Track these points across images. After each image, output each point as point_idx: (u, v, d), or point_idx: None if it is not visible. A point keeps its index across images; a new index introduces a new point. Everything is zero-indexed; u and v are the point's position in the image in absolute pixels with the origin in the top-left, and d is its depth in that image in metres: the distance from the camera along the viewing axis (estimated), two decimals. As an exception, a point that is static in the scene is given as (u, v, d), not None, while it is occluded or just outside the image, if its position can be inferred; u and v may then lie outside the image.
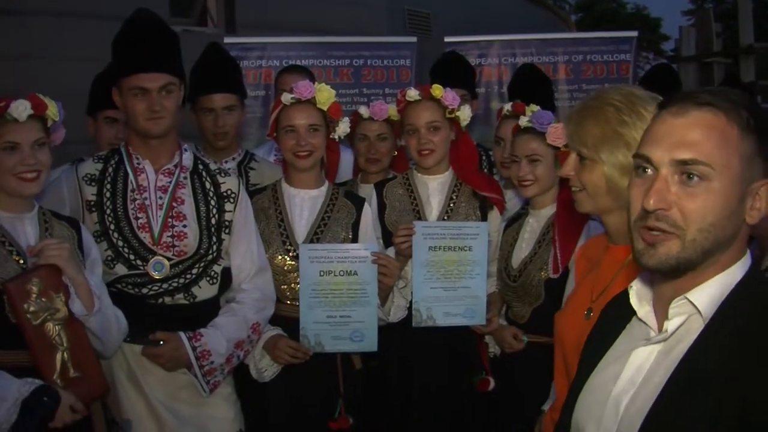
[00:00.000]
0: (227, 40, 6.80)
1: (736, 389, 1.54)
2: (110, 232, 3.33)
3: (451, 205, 3.96)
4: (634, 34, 7.12)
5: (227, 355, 3.37)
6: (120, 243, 3.32)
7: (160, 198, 3.39)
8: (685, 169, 1.64)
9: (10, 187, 3.00)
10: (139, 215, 3.36)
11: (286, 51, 6.68)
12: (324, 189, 3.81)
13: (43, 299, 2.92)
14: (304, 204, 3.76)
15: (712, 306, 1.67)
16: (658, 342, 1.73)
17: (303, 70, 5.15)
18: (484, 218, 3.95)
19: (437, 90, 3.88)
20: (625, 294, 1.89)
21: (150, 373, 3.33)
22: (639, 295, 1.83)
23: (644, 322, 1.80)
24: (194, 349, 3.29)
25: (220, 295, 3.51)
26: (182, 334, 3.29)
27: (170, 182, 3.43)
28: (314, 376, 3.61)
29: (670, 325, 1.70)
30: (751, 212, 1.68)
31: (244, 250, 3.52)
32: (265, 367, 3.58)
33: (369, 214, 3.84)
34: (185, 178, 3.46)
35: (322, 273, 3.57)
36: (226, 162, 4.36)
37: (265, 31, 7.73)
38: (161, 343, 3.28)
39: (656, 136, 1.70)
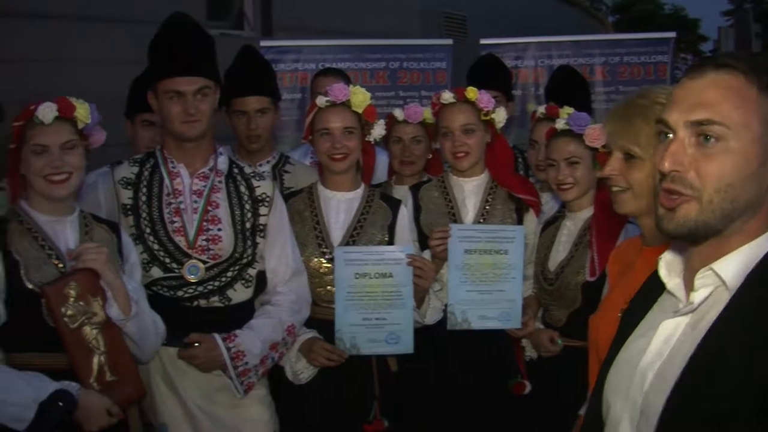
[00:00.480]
0: (263, 43, 6.82)
1: (755, 367, 1.50)
2: (146, 235, 3.34)
3: (487, 207, 3.94)
4: (672, 35, 7.07)
5: (261, 356, 3.36)
6: (155, 246, 3.34)
7: (195, 202, 3.40)
8: (701, 131, 1.61)
9: (40, 189, 3.03)
10: (175, 219, 3.36)
11: (322, 54, 6.71)
12: (360, 191, 3.80)
13: (81, 303, 2.94)
14: (340, 206, 3.75)
15: (738, 277, 1.63)
16: (686, 314, 1.70)
17: (338, 73, 5.14)
18: (519, 221, 3.94)
19: (472, 92, 3.87)
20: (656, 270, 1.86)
21: (185, 376, 3.34)
22: (669, 267, 1.80)
23: (673, 294, 1.77)
24: (228, 349, 3.29)
25: (255, 298, 3.51)
26: (216, 336, 3.30)
27: (205, 186, 3.43)
28: (350, 378, 3.60)
29: (696, 296, 1.67)
30: None
31: (279, 254, 3.52)
32: (301, 370, 3.57)
33: (405, 215, 3.82)
34: (220, 182, 3.46)
35: (357, 275, 3.56)
36: (261, 165, 4.35)
37: (301, 34, 7.77)
38: (196, 344, 3.29)
39: (674, 99, 1.68)
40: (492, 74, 5.18)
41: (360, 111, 3.70)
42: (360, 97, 3.69)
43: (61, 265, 3.01)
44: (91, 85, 5.01)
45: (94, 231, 3.16)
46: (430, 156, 4.40)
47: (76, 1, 7.87)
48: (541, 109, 4.33)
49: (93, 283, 2.98)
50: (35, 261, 2.97)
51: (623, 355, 1.83)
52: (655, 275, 1.88)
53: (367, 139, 3.77)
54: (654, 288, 1.87)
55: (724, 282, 1.64)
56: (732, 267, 1.64)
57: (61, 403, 1.94)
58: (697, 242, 1.67)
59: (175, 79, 3.30)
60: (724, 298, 1.63)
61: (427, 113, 4.33)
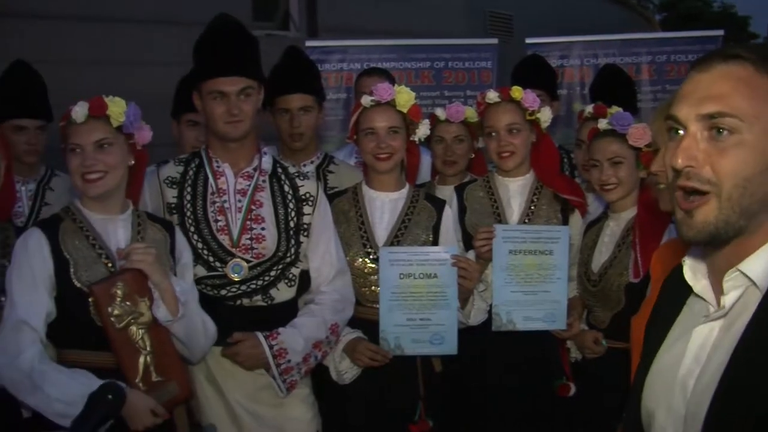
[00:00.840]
0: (308, 43, 6.83)
1: None
2: (190, 234, 3.36)
3: (532, 207, 3.93)
4: (720, 33, 6.98)
5: (304, 353, 3.37)
6: (199, 245, 3.35)
7: (239, 201, 3.42)
8: (713, 124, 1.56)
9: (78, 187, 3.07)
10: (219, 218, 3.38)
11: (367, 54, 6.70)
12: (404, 191, 3.79)
13: (128, 303, 2.96)
14: (384, 207, 3.75)
15: (767, 276, 1.57)
16: (718, 318, 1.64)
17: (383, 73, 5.14)
18: (565, 221, 3.91)
19: (517, 92, 3.86)
20: (680, 271, 1.79)
21: (229, 375, 3.36)
22: (693, 270, 1.74)
23: (702, 297, 1.71)
24: (271, 347, 3.30)
25: (298, 297, 3.52)
26: (259, 334, 3.31)
27: (249, 185, 3.45)
28: (394, 378, 3.59)
29: (727, 300, 1.62)
30: None
31: (323, 253, 3.52)
32: (345, 370, 3.58)
33: (450, 216, 3.81)
34: (264, 181, 3.48)
35: (402, 276, 3.56)
36: (305, 165, 4.35)
37: (347, 35, 7.76)
38: (239, 342, 3.31)
39: (683, 93, 1.63)
40: (536, 73, 5.18)
41: (405, 111, 3.69)
42: (405, 97, 3.69)
43: (110, 265, 3.04)
44: (138, 85, 5.06)
45: (146, 230, 3.18)
46: (473, 156, 4.39)
47: (129, 3, 7.99)
48: (589, 109, 4.31)
49: (141, 283, 3.00)
50: (85, 260, 3.01)
51: (659, 364, 1.79)
52: (675, 278, 1.85)
53: (412, 138, 3.77)
54: (678, 291, 1.81)
55: (753, 282, 1.59)
56: (759, 266, 1.58)
57: (110, 396, 1.97)
58: (721, 246, 1.62)
59: (219, 79, 3.32)
60: (755, 298, 1.58)
61: (469, 112, 4.34)
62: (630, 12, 17.36)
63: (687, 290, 1.76)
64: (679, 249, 2.48)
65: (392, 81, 4.91)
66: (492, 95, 3.91)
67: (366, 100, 3.73)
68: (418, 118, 3.74)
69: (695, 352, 1.67)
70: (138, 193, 3.33)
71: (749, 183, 1.55)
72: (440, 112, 4.44)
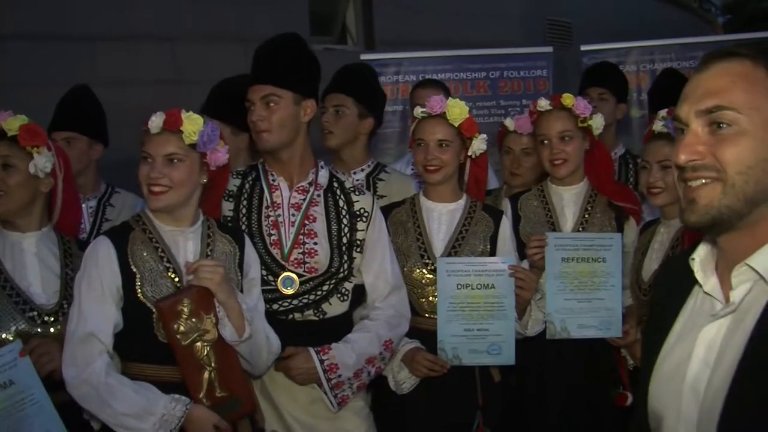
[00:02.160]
0: (364, 56, 6.87)
1: None
2: None
3: (586, 216, 3.91)
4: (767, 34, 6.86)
5: (356, 368, 3.35)
6: None
7: (293, 215, 3.42)
8: (713, 118, 1.62)
9: (145, 197, 3.06)
10: (272, 232, 3.39)
11: (423, 65, 6.71)
12: (462, 202, 3.78)
13: (193, 320, 2.96)
14: (442, 218, 3.74)
15: None
16: (726, 315, 1.66)
17: (437, 84, 5.15)
18: (619, 229, 3.88)
19: (568, 99, 3.84)
20: (679, 264, 1.84)
21: (283, 389, 3.37)
22: (703, 267, 1.76)
23: (710, 295, 1.73)
24: (322, 362, 3.30)
25: (352, 311, 3.52)
26: (311, 349, 3.31)
27: (304, 200, 3.45)
28: (453, 388, 3.59)
29: (736, 294, 1.65)
30: None
31: (378, 269, 3.51)
32: (403, 380, 3.57)
33: (507, 227, 3.79)
34: (319, 195, 3.48)
35: (459, 286, 3.55)
36: (355, 173, 4.36)
37: (403, 47, 7.79)
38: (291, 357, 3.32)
39: (685, 93, 1.69)
40: (601, 73, 5.17)
41: (456, 124, 3.66)
42: (456, 111, 3.66)
43: (177, 279, 3.04)
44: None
45: (216, 243, 3.17)
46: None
47: (201, 20, 8.13)
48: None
49: (207, 300, 2.99)
50: (151, 274, 3.02)
51: (665, 366, 1.79)
52: (674, 273, 1.88)
53: (469, 153, 3.74)
54: (679, 287, 1.84)
55: (762, 276, 1.61)
56: (767, 260, 1.62)
57: None
58: (722, 232, 1.66)
59: (251, 87, 3.37)
60: (763, 294, 1.61)
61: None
62: (691, 15, 17.16)
63: (689, 286, 1.79)
64: None
65: (447, 92, 4.92)
66: (543, 103, 3.90)
67: (418, 111, 3.73)
68: (471, 132, 3.70)
69: (704, 353, 1.68)
70: (214, 210, 3.33)
71: (752, 170, 1.59)
72: (509, 123, 4.43)
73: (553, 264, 3.72)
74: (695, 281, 1.77)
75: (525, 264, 3.75)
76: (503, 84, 6.72)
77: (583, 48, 6.82)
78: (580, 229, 3.89)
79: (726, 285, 1.69)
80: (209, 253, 3.13)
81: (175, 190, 3.03)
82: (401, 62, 6.73)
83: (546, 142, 3.88)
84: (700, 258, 1.76)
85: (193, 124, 3.04)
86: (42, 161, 3.25)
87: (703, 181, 1.63)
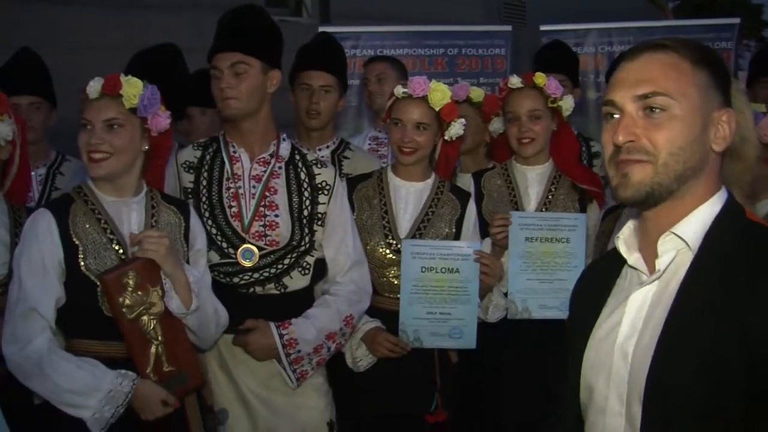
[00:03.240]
0: (321, 29, 6.79)
1: (732, 317, 1.63)
2: (205, 219, 3.32)
3: (550, 197, 3.90)
4: (736, 21, 6.87)
5: (315, 344, 3.33)
6: (213, 230, 3.32)
7: (254, 187, 3.38)
8: (647, 103, 1.76)
9: (85, 165, 2.99)
10: (233, 203, 3.35)
11: (381, 40, 6.63)
12: (430, 182, 3.74)
13: (139, 293, 2.91)
14: (409, 197, 3.70)
15: (698, 237, 1.76)
16: (652, 282, 1.80)
17: (388, 60, 5.14)
18: (582, 211, 3.88)
19: (540, 78, 3.82)
20: (608, 255, 2.01)
21: (241, 362, 3.33)
22: (627, 244, 1.90)
23: (635, 268, 1.87)
24: (281, 336, 3.28)
25: (313, 286, 3.49)
26: (271, 323, 3.28)
27: (265, 171, 3.41)
28: (411, 369, 3.56)
29: (661, 262, 1.79)
30: (716, 140, 1.79)
31: (339, 243, 3.48)
32: (360, 357, 3.55)
33: (473, 210, 3.76)
34: (280, 167, 3.44)
35: (424, 269, 3.52)
36: (320, 150, 4.29)
37: (359, 21, 7.70)
38: (250, 330, 3.28)
39: (617, 81, 1.82)
40: (559, 58, 5.12)
41: (437, 108, 3.62)
42: (438, 96, 3.61)
43: (121, 251, 2.98)
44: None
45: (161, 213, 3.11)
46: (488, 142, 4.31)
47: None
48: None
49: (152, 272, 2.94)
50: (94, 246, 2.95)
51: (596, 335, 1.90)
52: (605, 258, 2.06)
53: (445, 138, 3.70)
54: (610, 268, 1.96)
55: (687, 243, 1.77)
56: (692, 228, 1.78)
57: None
58: (652, 206, 1.80)
59: (215, 55, 3.31)
60: (687, 259, 1.77)
61: (475, 93, 4.34)
62: (644, 0, 17.27)
63: (617, 268, 1.94)
64: None
65: (401, 69, 4.95)
66: (515, 80, 3.88)
67: (399, 90, 3.67)
68: (450, 117, 3.65)
69: (632, 318, 1.81)
70: (158, 181, 3.25)
71: (682, 151, 1.75)
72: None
73: (516, 243, 3.70)
74: (623, 262, 1.90)
75: (486, 243, 3.73)
76: (461, 61, 6.66)
77: (543, 28, 6.77)
78: (544, 209, 3.87)
79: (650, 258, 1.83)
80: (154, 224, 3.07)
81: (116, 157, 2.95)
82: (359, 36, 6.64)
83: (515, 120, 3.85)
84: (624, 237, 1.91)
85: (132, 87, 2.99)
86: (5, 129, 3.18)
87: (637, 161, 1.76)
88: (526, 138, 3.83)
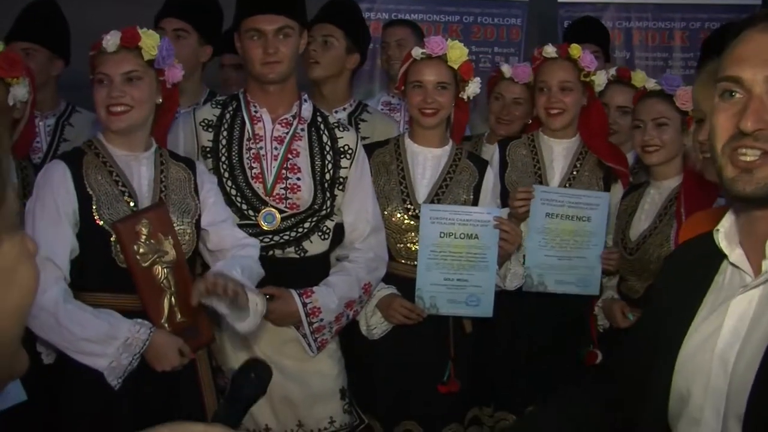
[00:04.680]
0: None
1: None
2: (224, 180, 3.28)
3: (574, 172, 3.84)
4: (758, 1, 6.80)
5: (337, 312, 3.31)
6: (233, 192, 3.28)
7: (276, 149, 3.33)
8: None
9: (102, 120, 2.99)
10: (254, 165, 3.30)
11: (396, 4, 6.53)
12: (448, 148, 3.69)
13: (152, 241, 2.92)
14: (426, 163, 3.66)
15: None
16: (757, 286, 1.59)
17: (408, 24, 5.06)
18: (606, 190, 3.83)
19: (575, 50, 3.76)
20: (701, 242, 1.76)
21: (257, 327, 3.27)
22: (728, 238, 1.68)
23: (738, 267, 1.65)
24: (305, 305, 3.24)
25: (331, 251, 3.46)
26: (293, 291, 3.25)
27: (287, 133, 3.36)
28: (425, 337, 3.54)
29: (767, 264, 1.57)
30: None
31: (358, 208, 3.45)
32: (375, 325, 3.52)
33: (491, 177, 3.72)
34: (302, 129, 3.39)
35: (442, 234, 3.48)
36: (337, 112, 4.20)
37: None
38: (267, 297, 3.20)
39: (744, 55, 1.57)
40: (593, 31, 5.07)
41: (456, 66, 3.58)
42: (457, 53, 3.57)
43: (132, 204, 2.97)
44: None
45: (169, 169, 3.10)
46: (530, 121, 4.20)
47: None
48: (612, 72, 4.16)
49: (165, 221, 2.97)
50: (107, 197, 2.94)
51: (693, 340, 1.70)
52: (698, 250, 1.79)
53: (461, 96, 3.65)
54: (708, 260, 1.74)
55: None
56: None
57: (253, 375, 1.78)
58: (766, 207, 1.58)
59: (257, 17, 3.25)
60: None
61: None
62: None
63: (716, 262, 1.71)
64: (712, 219, 2.39)
65: (419, 33, 4.86)
66: (550, 50, 3.82)
67: (417, 51, 3.61)
68: (468, 75, 3.61)
69: (734, 324, 1.61)
70: (164, 134, 3.23)
71: None
72: (506, 69, 4.33)
73: (537, 218, 3.66)
74: (721, 258, 1.69)
75: (504, 211, 3.69)
76: (476, 29, 6.59)
77: (561, 0, 6.69)
78: (567, 185, 3.82)
79: (754, 257, 1.62)
80: (163, 179, 3.07)
81: (137, 109, 2.96)
82: (374, 0, 6.55)
83: (545, 89, 3.80)
84: (725, 230, 1.69)
85: (150, 38, 3.00)
86: (21, 92, 3.14)
87: (760, 153, 1.54)
88: (555, 109, 3.78)
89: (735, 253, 1.66)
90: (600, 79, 3.83)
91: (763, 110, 1.53)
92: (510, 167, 3.89)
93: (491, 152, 4.03)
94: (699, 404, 1.65)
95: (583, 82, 3.79)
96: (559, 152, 3.88)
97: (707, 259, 1.73)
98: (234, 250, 3.09)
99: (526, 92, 4.21)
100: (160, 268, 2.94)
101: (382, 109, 4.67)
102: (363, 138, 3.88)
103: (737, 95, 1.57)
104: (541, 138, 3.92)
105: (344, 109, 4.30)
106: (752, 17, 1.61)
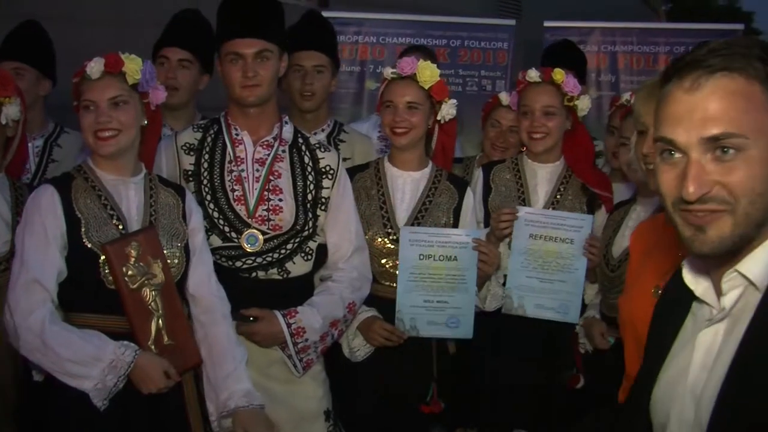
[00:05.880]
0: (325, 14, 6.73)
1: None
2: (206, 202, 3.29)
3: (558, 196, 3.87)
4: (741, 27, 6.85)
5: (322, 332, 3.31)
6: (215, 214, 3.29)
7: (257, 170, 3.35)
8: (718, 145, 1.53)
9: (90, 145, 3.01)
10: (236, 187, 3.31)
11: (384, 28, 6.57)
12: (427, 171, 3.72)
13: (141, 264, 2.93)
14: (406, 186, 3.68)
15: (765, 275, 1.58)
16: (721, 320, 1.64)
17: (423, 50, 5.04)
18: (590, 214, 3.83)
19: (559, 74, 3.79)
20: (680, 276, 1.76)
21: None
22: (693, 273, 1.73)
23: (704, 301, 1.70)
24: (289, 325, 3.25)
25: (315, 272, 3.46)
26: (277, 312, 3.25)
27: (268, 155, 3.38)
28: (408, 358, 3.56)
29: (726, 300, 1.63)
30: None
31: (342, 229, 3.46)
32: (357, 347, 3.54)
33: (471, 199, 3.74)
34: (284, 151, 3.40)
35: (421, 256, 3.50)
36: (315, 133, 4.20)
37: (360, 7, 7.65)
38: (251, 319, 3.24)
39: (675, 116, 1.58)
40: (568, 56, 5.10)
41: (426, 87, 3.59)
42: (427, 73, 3.59)
43: (121, 227, 2.98)
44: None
45: (159, 194, 3.12)
46: (524, 148, 4.17)
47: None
48: (626, 96, 4.17)
49: (154, 244, 2.98)
50: (96, 220, 2.95)
51: (667, 374, 1.76)
52: (676, 285, 1.81)
53: (438, 118, 3.67)
54: (680, 299, 1.79)
55: (752, 282, 1.59)
56: (757, 266, 1.59)
57: None
58: (732, 257, 1.61)
59: (235, 41, 3.26)
60: (755, 299, 1.58)
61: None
62: (638, 1, 17.28)
63: (689, 297, 1.75)
64: (662, 226, 2.43)
65: (434, 60, 4.84)
66: (533, 74, 3.85)
67: (388, 72, 3.66)
68: (441, 96, 3.64)
69: (702, 358, 1.66)
70: (151, 155, 3.25)
71: (762, 198, 1.54)
72: (504, 97, 4.37)
73: (520, 239, 3.69)
74: (692, 297, 1.74)
75: (483, 233, 3.71)
76: (463, 53, 6.61)
77: (546, 24, 6.74)
78: (551, 209, 3.84)
79: (719, 290, 1.66)
80: (153, 203, 3.09)
81: (124, 133, 2.99)
82: (362, 23, 6.59)
83: (528, 113, 3.83)
84: (690, 264, 1.74)
85: (133, 63, 3.03)
86: (13, 111, 3.20)
87: (712, 212, 1.56)
88: (537, 133, 3.80)
89: (701, 287, 1.71)
90: (583, 104, 3.85)
91: (703, 173, 1.54)
92: (494, 191, 3.92)
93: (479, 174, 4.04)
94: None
95: (567, 106, 3.81)
96: (543, 176, 3.90)
97: (682, 298, 1.78)
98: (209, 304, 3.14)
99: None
100: (148, 290, 2.95)
101: (380, 131, 4.69)
102: (344, 159, 3.90)
103: (676, 156, 1.59)
104: (525, 162, 3.95)
105: (323, 130, 4.33)
106: (675, 69, 1.61)
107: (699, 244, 1.58)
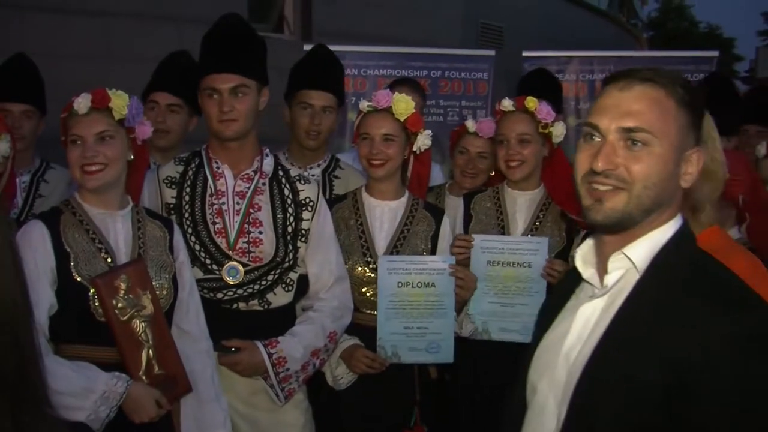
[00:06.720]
0: (306, 47, 6.81)
1: (657, 340, 1.72)
2: (188, 235, 3.32)
3: (537, 223, 3.90)
4: (715, 53, 7.00)
5: (303, 362, 3.34)
6: (197, 247, 3.32)
7: (238, 203, 3.37)
8: (630, 136, 1.83)
9: (77, 179, 3.04)
10: (216, 220, 3.34)
11: (365, 60, 6.66)
12: (404, 200, 3.75)
13: (131, 296, 2.95)
14: (384, 216, 3.72)
15: (646, 260, 1.86)
16: (601, 296, 1.91)
17: (411, 83, 5.10)
18: (569, 242, 3.87)
19: (531, 102, 3.83)
20: (573, 269, 2.06)
21: (223, 378, 3.30)
22: (584, 260, 2.00)
23: (589, 283, 1.97)
24: (270, 355, 3.27)
25: (296, 303, 3.48)
26: (258, 342, 3.28)
27: (249, 188, 3.41)
28: (390, 384, 3.58)
29: (609, 278, 1.90)
30: (684, 177, 1.89)
31: (322, 260, 3.49)
32: (341, 375, 3.56)
33: (447, 226, 3.78)
34: (264, 184, 3.44)
35: (400, 284, 3.54)
36: (311, 168, 4.24)
37: (341, 40, 7.70)
38: (233, 349, 3.27)
39: (604, 107, 1.89)
40: (543, 85, 5.13)
41: (402, 119, 3.64)
42: (402, 105, 3.64)
43: (109, 260, 3.01)
44: (131, 81, 5.04)
45: (146, 227, 3.15)
46: (493, 173, 4.25)
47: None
48: None
49: (143, 276, 3.00)
50: (85, 254, 2.98)
51: (546, 341, 2.02)
52: (570, 273, 2.12)
53: (413, 149, 3.72)
54: (570, 281, 2.08)
55: (633, 264, 1.87)
56: (640, 251, 1.87)
57: None
58: (617, 232, 1.89)
59: (213, 76, 3.30)
60: (633, 280, 1.86)
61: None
62: (618, 29, 17.45)
63: (576, 281, 2.04)
64: None
65: (421, 92, 4.88)
66: (507, 103, 3.89)
67: (364, 104, 3.71)
68: (416, 127, 3.67)
69: (579, 329, 1.93)
70: (138, 189, 3.27)
71: (655, 187, 1.84)
72: (470, 124, 4.40)
73: (478, 266, 3.73)
74: (580, 279, 2.02)
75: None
76: (444, 84, 6.71)
77: (525, 54, 6.83)
78: (530, 235, 3.88)
79: (603, 275, 1.93)
80: (141, 236, 3.12)
81: (111, 167, 3.01)
82: (344, 55, 6.53)
83: (504, 142, 3.87)
84: (582, 252, 2.02)
85: (120, 99, 3.06)
86: (3, 148, 3.22)
87: (611, 187, 1.84)
88: (514, 161, 3.84)
89: (588, 272, 1.98)
90: (558, 130, 3.88)
91: (613, 154, 1.84)
92: (474, 220, 3.95)
93: (454, 204, 4.10)
94: (545, 395, 1.95)
95: (543, 133, 3.85)
96: (522, 204, 3.93)
97: (571, 282, 2.07)
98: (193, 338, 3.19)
99: (489, 146, 4.26)
100: (138, 322, 2.97)
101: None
102: (336, 195, 3.98)
103: (596, 139, 1.89)
104: (506, 190, 3.98)
105: (318, 165, 4.33)
106: (615, 75, 1.94)
107: (594, 213, 1.87)
